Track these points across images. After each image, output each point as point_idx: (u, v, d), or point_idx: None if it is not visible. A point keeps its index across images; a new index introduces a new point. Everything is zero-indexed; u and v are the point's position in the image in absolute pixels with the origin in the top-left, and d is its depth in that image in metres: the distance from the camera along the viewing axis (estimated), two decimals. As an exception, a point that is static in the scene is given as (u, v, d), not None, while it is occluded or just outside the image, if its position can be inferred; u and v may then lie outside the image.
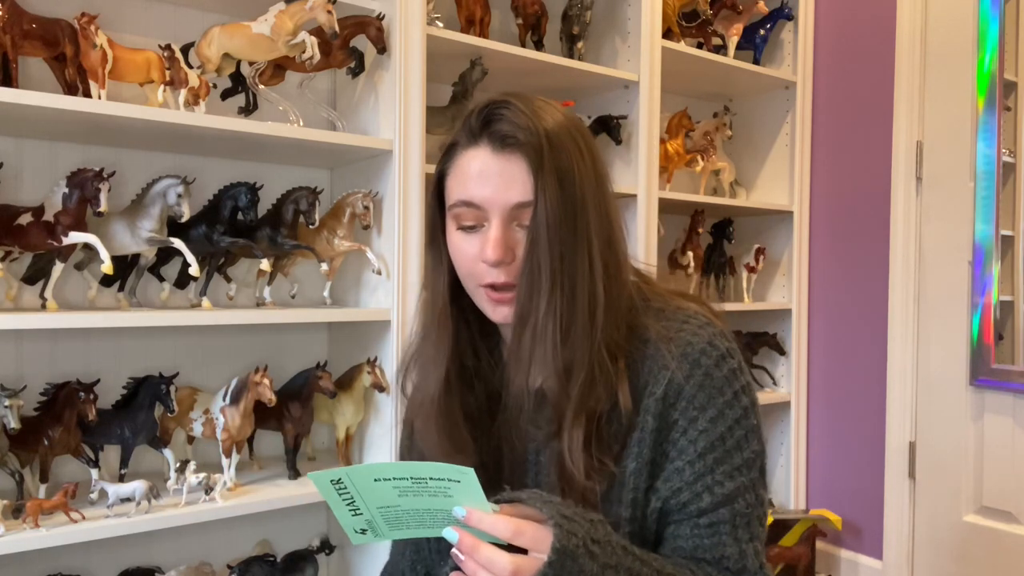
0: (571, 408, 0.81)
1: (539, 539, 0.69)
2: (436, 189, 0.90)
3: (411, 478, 0.69)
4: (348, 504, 0.73)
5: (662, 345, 0.83)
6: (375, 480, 0.70)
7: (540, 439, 0.86)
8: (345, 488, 0.72)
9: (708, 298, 2.61)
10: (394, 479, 0.70)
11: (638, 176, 2.23)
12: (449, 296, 0.90)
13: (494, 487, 0.74)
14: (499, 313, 0.85)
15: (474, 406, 0.91)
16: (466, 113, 0.86)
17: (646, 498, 0.83)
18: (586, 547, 0.69)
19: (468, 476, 0.67)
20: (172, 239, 1.58)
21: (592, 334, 0.81)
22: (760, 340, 2.62)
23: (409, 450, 1.00)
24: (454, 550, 0.71)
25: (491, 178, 0.82)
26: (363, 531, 0.76)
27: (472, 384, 0.92)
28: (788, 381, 2.67)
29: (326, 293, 1.89)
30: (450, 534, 0.71)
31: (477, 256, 0.83)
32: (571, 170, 0.81)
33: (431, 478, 0.69)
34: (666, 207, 2.37)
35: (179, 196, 1.56)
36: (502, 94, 0.85)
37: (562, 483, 0.81)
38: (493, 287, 0.84)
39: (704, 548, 0.82)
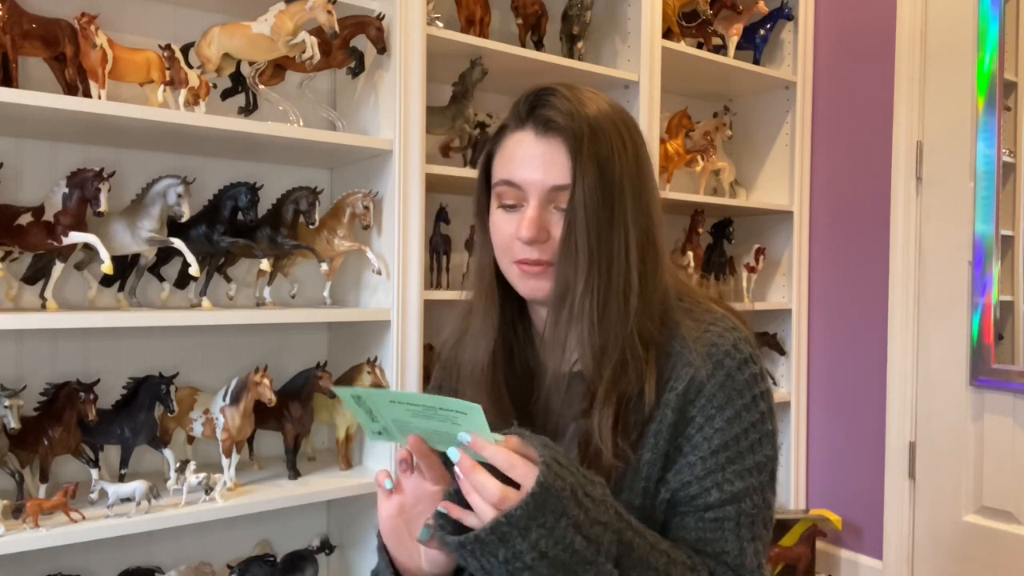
0: (603, 387, 0.84)
1: (528, 476, 0.71)
2: (484, 168, 0.94)
3: (423, 405, 0.75)
4: (367, 413, 0.80)
5: (689, 343, 0.86)
6: (391, 402, 0.77)
7: (569, 418, 0.89)
8: (364, 402, 0.79)
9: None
10: (408, 404, 0.76)
11: (638, 176, 2.22)
12: (495, 271, 0.93)
13: None
14: (528, 286, 0.89)
15: (512, 382, 0.94)
16: (515, 101, 0.90)
17: (656, 488, 0.85)
18: (574, 494, 0.71)
19: (475, 410, 0.71)
20: (172, 239, 1.58)
21: (626, 319, 0.84)
22: (760, 340, 2.62)
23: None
24: (456, 468, 0.74)
25: (532, 160, 0.85)
26: (379, 432, 0.82)
27: (512, 359, 0.95)
28: (788, 381, 2.67)
29: (326, 293, 1.89)
30: (453, 453, 0.75)
31: (513, 234, 0.87)
32: (611, 158, 0.84)
33: (441, 408, 0.74)
34: (666, 207, 2.33)
35: (179, 196, 1.56)
36: (556, 83, 0.88)
37: (586, 461, 0.83)
38: (525, 264, 0.87)
39: (706, 541, 0.83)
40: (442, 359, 1.05)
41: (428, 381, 1.24)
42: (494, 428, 0.74)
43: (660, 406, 0.85)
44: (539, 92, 0.87)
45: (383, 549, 0.87)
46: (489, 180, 0.93)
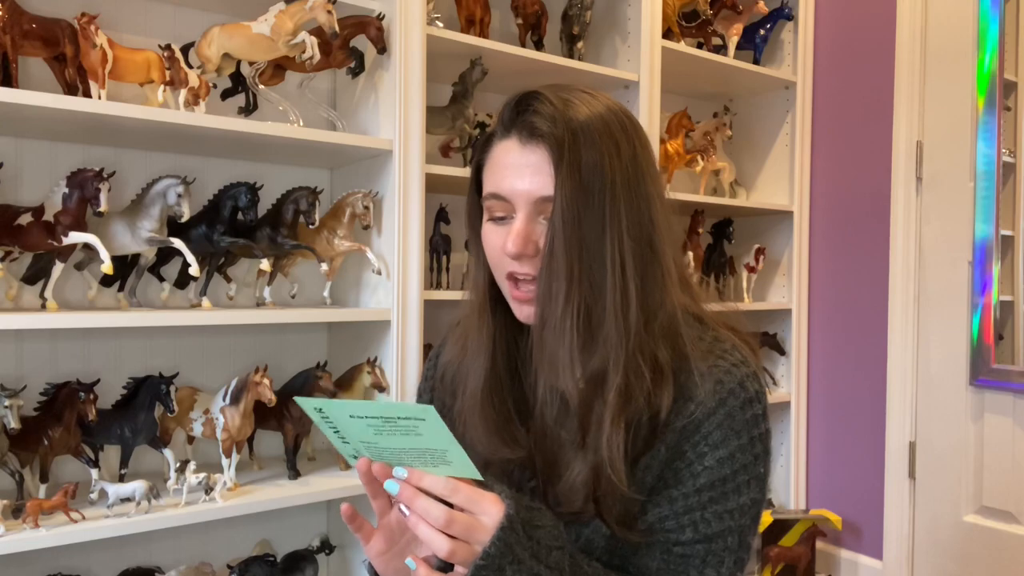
0: (609, 413, 0.78)
1: (474, 499, 0.71)
2: (474, 180, 0.90)
3: (382, 417, 0.72)
4: (335, 433, 0.76)
5: (696, 376, 0.81)
6: (350, 416, 0.73)
7: (567, 442, 0.84)
8: (328, 419, 0.75)
9: (708, 299, 2.61)
10: (367, 418, 0.72)
11: (638, 176, 2.23)
12: (488, 286, 0.89)
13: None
14: (522, 312, 0.85)
15: (515, 402, 0.90)
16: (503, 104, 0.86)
17: (634, 520, 0.82)
18: (528, 526, 0.72)
19: (430, 413, 0.69)
20: (172, 239, 1.58)
21: (625, 337, 0.78)
22: (760, 340, 2.62)
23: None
24: (400, 504, 0.73)
25: (517, 170, 0.81)
26: (355, 456, 0.79)
27: (514, 377, 0.90)
28: (788, 381, 2.67)
29: (326, 293, 1.89)
30: (391, 486, 0.73)
31: (503, 247, 0.83)
32: (598, 164, 0.78)
33: (399, 417, 0.71)
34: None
35: (179, 196, 1.56)
36: (546, 86, 0.83)
37: (598, 492, 0.79)
38: (516, 279, 0.83)
39: (666, 573, 0.81)
40: (437, 374, 1.01)
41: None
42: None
43: (656, 439, 0.81)
44: (523, 97, 0.82)
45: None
46: (481, 191, 0.88)
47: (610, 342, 0.79)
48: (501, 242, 0.83)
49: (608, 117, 0.81)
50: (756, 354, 0.87)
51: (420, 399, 1.05)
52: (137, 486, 1.48)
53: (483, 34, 2.00)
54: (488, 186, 0.85)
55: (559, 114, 0.79)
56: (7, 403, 1.43)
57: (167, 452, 1.66)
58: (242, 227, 1.71)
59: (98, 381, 1.54)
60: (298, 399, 0.76)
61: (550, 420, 0.85)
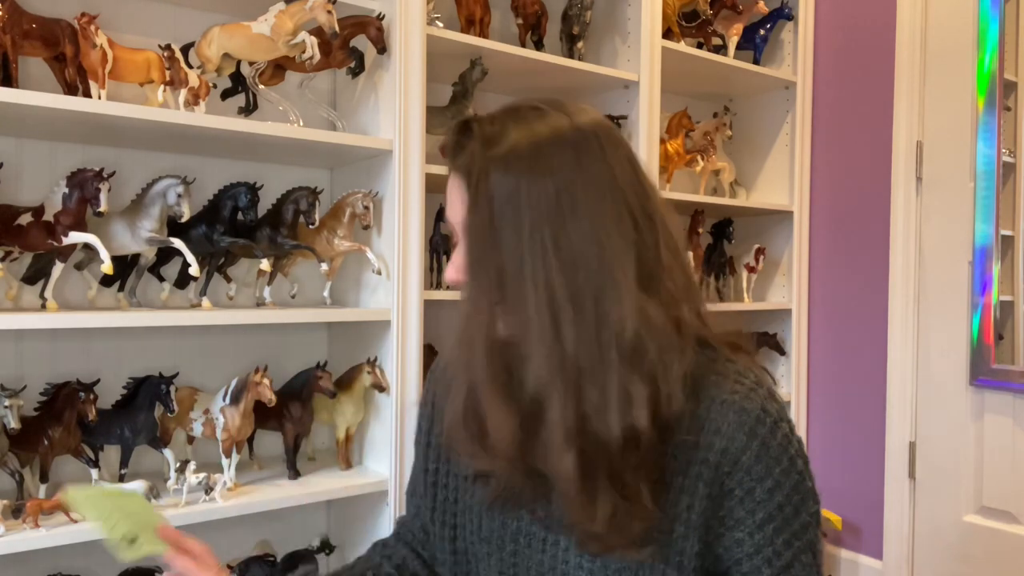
0: (554, 446, 0.76)
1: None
2: None
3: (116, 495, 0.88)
4: (106, 520, 0.85)
5: (716, 405, 0.80)
6: (104, 496, 0.89)
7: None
8: (98, 503, 0.87)
9: (708, 298, 2.62)
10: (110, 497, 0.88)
11: (638, 176, 2.22)
12: None
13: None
14: None
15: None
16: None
17: (693, 560, 0.81)
18: None
19: (136, 494, 0.86)
20: (172, 239, 1.58)
21: (560, 368, 0.75)
22: (760, 340, 2.62)
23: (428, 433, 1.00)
24: None
25: (450, 198, 0.82)
26: (132, 541, 0.85)
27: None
28: (788, 381, 2.67)
29: (326, 293, 1.89)
30: None
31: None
32: (514, 192, 0.75)
33: (119, 496, 0.88)
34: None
35: (179, 196, 1.56)
36: (490, 112, 0.82)
37: (587, 550, 0.80)
38: None
39: None
40: (438, 377, 1.01)
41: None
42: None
43: (690, 476, 0.80)
44: (459, 125, 0.81)
45: None
46: None
47: (540, 374, 0.76)
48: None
49: (547, 140, 0.77)
50: (766, 370, 0.87)
51: (420, 422, 1.03)
52: (137, 486, 1.48)
53: (483, 34, 2.00)
54: None
55: (479, 144, 0.78)
56: (7, 403, 1.43)
57: (167, 452, 1.66)
58: (242, 227, 1.71)
59: (98, 381, 1.54)
60: (69, 494, 0.86)
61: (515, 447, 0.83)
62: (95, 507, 0.84)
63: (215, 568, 0.86)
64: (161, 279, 1.76)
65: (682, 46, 2.33)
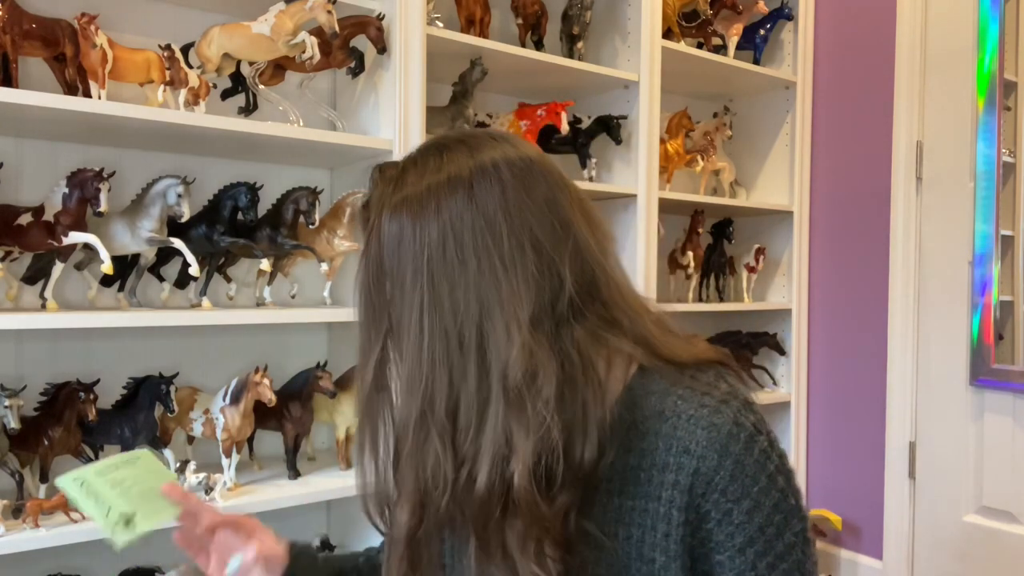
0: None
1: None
2: None
3: (113, 465, 0.87)
4: (95, 502, 0.86)
5: (683, 421, 0.75)
6: (96, 475, 0.86)
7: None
8: (90, 486, 0.86)
9: (708, 298, 2.62)
10: (107, 475, 0.87)
11: (638, 176, 2.23)
12: None
13: None
14: None
15: None
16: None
17: None
18: None
19: (145, 455, 0.82)
20: (172, 239, 1.58)
21: (422, 420, 0.73)
22: (760, 340, 2.62)
23: None
24: None
25: None
26: (127, 523, 0.89)
27: None
28: (788, 381, 2.67)
29: (326, 293, 1.89)
30: None
31: None
32: (398, 237, 0.75)
33: (120, 465, 0.86)
34: (666, 207, 2.37)
35: (179, 196, 1.56)
36: (408, 153, 0.82)
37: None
38: None
39: None
40: None
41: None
42: None
43: (662, 502, 0.76)
44: (373, 171, 0.81)
45: None
46: None
47: (401, 418, 0.76)
48: None
49: (439, 183, 0.75)
50: (740, 375, 0.82)
51: None
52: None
53: (483, 34, 2.00)
54: None
55: (379, 189, 0.79)
56: (7, 403, 1.43)
57: (167, 452, 1.66)
58: (242, 227, 1.71)
59: (98, 381, 1.54)
60: (59, 480, 0.85)
61: None
62: (85, 493, 0.83)
63: (272, 538, 0.91)
64: (161, 279, 1.76)
65: (682, 46, 2.33)
